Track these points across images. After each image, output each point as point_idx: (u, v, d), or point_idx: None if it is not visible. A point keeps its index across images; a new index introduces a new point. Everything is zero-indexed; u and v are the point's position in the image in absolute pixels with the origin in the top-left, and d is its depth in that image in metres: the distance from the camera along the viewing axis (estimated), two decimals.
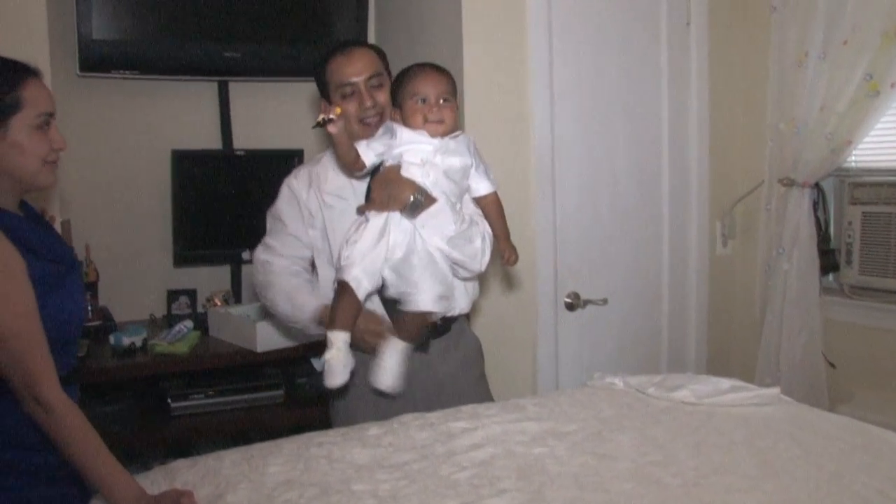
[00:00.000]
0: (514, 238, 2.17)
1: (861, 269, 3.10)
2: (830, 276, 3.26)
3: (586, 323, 3.12)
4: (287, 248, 2.25)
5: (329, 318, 2.00)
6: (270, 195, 3.04)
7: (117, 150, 3.17)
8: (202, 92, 3.27)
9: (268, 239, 2.29)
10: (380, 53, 2.23)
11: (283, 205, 2.25)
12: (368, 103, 2.14)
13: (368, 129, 2.14)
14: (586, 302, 3.09)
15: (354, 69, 2.14)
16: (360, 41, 2.24)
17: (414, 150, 1.99)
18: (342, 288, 1.96)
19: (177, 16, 3.04)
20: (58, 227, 2.62)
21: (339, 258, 2.01)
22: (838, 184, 3.23)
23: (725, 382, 2.21)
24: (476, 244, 2.06)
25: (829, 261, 3.19)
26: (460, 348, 2.32)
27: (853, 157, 3.13)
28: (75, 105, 3.03)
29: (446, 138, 2.01)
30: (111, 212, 3.17)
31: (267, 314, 2.61)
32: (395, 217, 1.97)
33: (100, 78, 3.04)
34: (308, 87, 3.33)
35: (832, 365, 3.16)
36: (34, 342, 1.58)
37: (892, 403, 2.92)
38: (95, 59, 2.93)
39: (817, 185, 3.17)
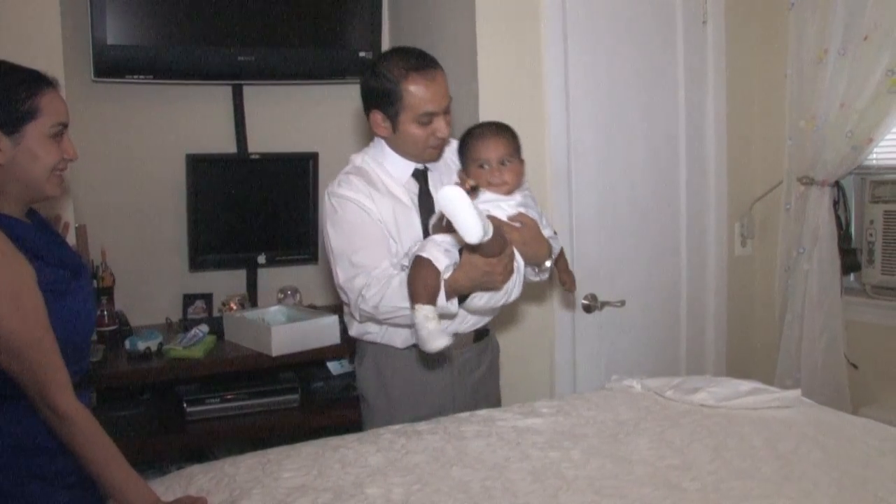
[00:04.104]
0: None
1: (883, 269, 3.06)
2: (852, 276, 3.22)
3: (604, 325, 3.09)
4: (378, 257, 2.08)
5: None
6: (285, 199, 3.03)
7: (132, 154, 3.18)
8: (216, 96, 3.27)
9: (353, 260, 2.08)
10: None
11: (353, 217, 2.10)
12: (443, 134, 2.10)
13: (434, 152, 2.15)
14: (604, 304, 3.06)
15: (438, 97, 2.06)
16: (432, 58, 2.11)
17: (498, 207, 2.04)
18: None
19: (191, 20, 3.04)
20: (72, 232, 2.63)
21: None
22: (859, 182, 3.19)
23: (745, 385, 2.19)
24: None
25: (850, 260, 3.14)
26: (489, 353, 2.37)
27: (874, 155, 3.09)
28: (90, 110, 3.05)
29: (525, 195, 2.11)
30: (126, 216, 3.18)
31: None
32: None
33: (114, 83, 3.05)
34: (322, 90, 3.35)
35: (854, 366, 3.12)
36: (47, 351, 1.59)
37: None
38: (110, 65, 2.94)
39: (837, 184, 3.13)
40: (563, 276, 2.29)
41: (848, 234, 3.18)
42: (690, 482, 1.66)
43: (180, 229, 3.20)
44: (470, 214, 1.78)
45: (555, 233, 2.24)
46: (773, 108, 3.32)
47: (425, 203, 2.15)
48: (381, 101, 2.08)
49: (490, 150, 2.06)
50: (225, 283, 3.30)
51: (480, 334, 2.30)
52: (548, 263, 2.14)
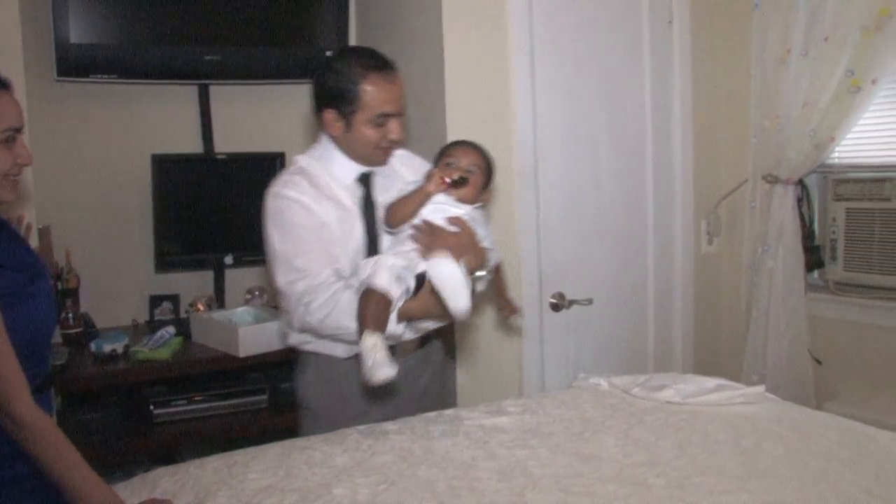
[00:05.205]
0: (497, 238, 2.21)
1: (846, 266, 3.11)
2: (815, 273, 3.26)
3: (572, 323, 3.11)
4: (321, 262, 2.03)
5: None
6: (252, 199, 2.98)
7: (97, 155, 3.14)
8: (182, 95, 3.24)
9: (296, 263, 2.03)
10: None
11: (298, 218, 2.06)
12: (396, 136, 2.07)
13: (383, 154, 2.12)
14: (571, 302, 3.07)
15: (395, 99, 2.04)
16: (391, 60, 2.08)
17: (441, 211, 2.04)
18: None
19: (156, 19, 3.01)
20: (35, 233, 2.60)
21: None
22: (822, 180, 3.24)
23: (710, 382, 2.21)
24: None
25: (813, 257, 3.19)
26: (434, 358, 2.32)
27: (836, 154, 3.14)
28: (53, 110, 3.01)
29: (475, 209, 2.10)
30: (92, 217, 3.14)
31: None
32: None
33: (78, 82, 3.01)
34: (288, 90, 3.34)
35: (818, 361, 3.16)
36: (3, 358, 1.54)
37: (878, 399, 2.93)
38: (73, 64, 2.90)
39: (801, 182, 3.17)
40: (500, 299, 2.25)
41: (811, 232, 3.23)
42: (656, 479, 1.67)
43: (146, 230, 3.16)
44: (463, 292, 1.83)
45: (494, 248, 2.19)
46: (738, 108, 3.36)
47: (369, 208, 2.12)
48: (336, 99, 2.04)
49: (462, 154, 2.09)
50: (192, 284, 3.27)
51: (424, 340, 2.23)
52: (479, 273, 2.08)
